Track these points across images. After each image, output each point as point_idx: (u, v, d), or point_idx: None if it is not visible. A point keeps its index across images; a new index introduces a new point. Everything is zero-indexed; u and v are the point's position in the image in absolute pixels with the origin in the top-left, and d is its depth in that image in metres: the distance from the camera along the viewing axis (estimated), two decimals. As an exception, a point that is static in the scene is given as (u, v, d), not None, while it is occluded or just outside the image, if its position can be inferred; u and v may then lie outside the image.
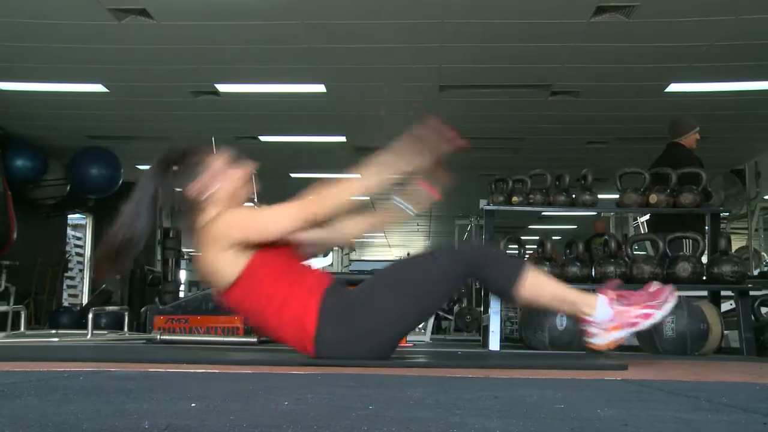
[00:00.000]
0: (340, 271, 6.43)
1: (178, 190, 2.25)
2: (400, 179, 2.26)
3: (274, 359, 2.27)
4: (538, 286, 2.20)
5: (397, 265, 2.41)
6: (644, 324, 2.20)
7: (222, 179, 2.25)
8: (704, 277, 3.81)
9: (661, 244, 3.84)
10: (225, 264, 2.16)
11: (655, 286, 2.29)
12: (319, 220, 2.19)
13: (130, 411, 1.02)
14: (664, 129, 7.53)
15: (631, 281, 3.82)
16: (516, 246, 4.29)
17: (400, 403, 1.16)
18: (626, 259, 3.87)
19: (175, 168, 2.27)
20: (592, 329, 2.22)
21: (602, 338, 2.21)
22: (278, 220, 2.18)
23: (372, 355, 2.16)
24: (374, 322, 2.18)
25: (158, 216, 2.22)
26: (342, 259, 8.05)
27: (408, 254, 3.58)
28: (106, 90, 6.52)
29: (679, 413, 1.09)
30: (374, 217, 2.48)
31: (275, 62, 5.82)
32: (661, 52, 5.48)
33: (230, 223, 2.17)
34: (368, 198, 2.33)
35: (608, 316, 2.19)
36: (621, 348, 4.39)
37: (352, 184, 2.22)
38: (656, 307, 2.21)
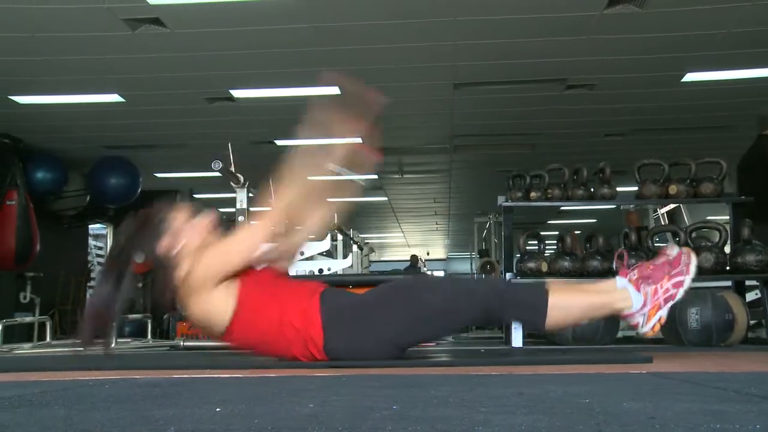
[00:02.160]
0: (359, 272, 6.44)
1: (149, 251, 2.22)
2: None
3: (297, 362, 2.27)
4: (563, 308, 2.16)
5: (417, 284, 2.41)
6: (679, 293, 2.19)
7: (187, 233, 2.25)
8: (728, 267, 3.77)
9: (682, 234, 3.80)
10: (217, 303, 2.16)
11: (670, 251, 2.27)
12: (278, 227, 2.31)
13: (156, 417, 1.02)
14: (681, 119, 7.41)
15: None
16: (536, 241, 4.26)
17: (424, 402, 1.16)
18: (647, 250, 3.84)
19: (140, 232, 2.25)
20: (635, 320, 2.20)
21: (648, 324, 2.18)
22: (248, 237, 2.26)
23: (383, 355, 2.16)
24: (375, 331, 2.17)
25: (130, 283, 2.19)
26: (362, 260, 8.04)
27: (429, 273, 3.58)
28: (123, 99, 6.58)
29: (707, 405, 1.08)
30: (322, 197, 2.53)
31: (288, 66, 5.83)
32: (676, 41, 5.42)
33: (207, 263, 2.16)
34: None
35: (642, 301, 2.17)
36: (645, 341, 4.35)
37: (284, 192, 2.33)
38: (683, 273, 2.20)
